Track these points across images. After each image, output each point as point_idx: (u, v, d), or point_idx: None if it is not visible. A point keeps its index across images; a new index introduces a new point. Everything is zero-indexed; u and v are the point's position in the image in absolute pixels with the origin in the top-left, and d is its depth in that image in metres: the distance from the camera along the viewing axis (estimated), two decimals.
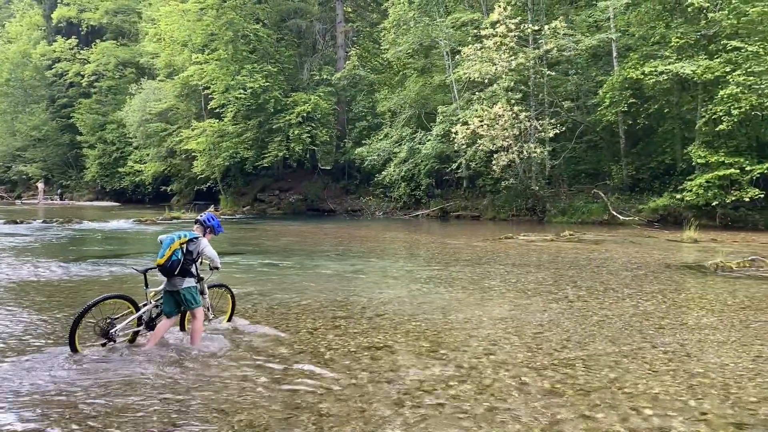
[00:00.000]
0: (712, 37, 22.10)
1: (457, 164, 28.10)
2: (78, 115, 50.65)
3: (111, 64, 50.31)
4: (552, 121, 25.27)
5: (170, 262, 5.86)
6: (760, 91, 19.46)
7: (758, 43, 20.14)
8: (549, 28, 24.74)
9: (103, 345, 5.80)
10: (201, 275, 6.26)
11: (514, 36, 24.90)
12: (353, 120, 36.98)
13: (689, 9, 22.07)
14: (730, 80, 20.14)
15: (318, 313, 7.75)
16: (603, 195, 24.75)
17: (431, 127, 29.65)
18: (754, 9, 20.22)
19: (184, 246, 5.96)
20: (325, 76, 35.67)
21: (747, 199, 20.06)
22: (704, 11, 21.80)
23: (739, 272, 11.14)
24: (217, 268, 6.33)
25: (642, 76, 22.27)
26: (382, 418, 4.31)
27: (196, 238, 6.08)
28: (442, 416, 4.34)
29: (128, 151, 46.82)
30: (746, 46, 20.20)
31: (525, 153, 24.69)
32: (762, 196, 20.12)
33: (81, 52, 51.92)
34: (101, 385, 4.94)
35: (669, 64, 21.65)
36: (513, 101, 24.96)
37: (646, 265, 12.25)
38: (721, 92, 20.30)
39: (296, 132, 33.19)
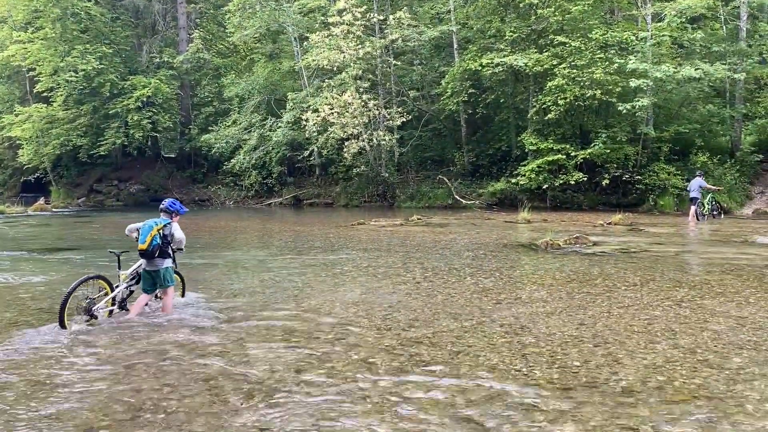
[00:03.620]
0: (541, 32, 23.91)
1: (309, 152, 28.07)
2: None
3: None
4: (399, 109, 26.04)
5: (152, 246, 6.59)
6: (581, 83, 21.41)
7: (580, 39, 22.11)
8: (394, 19, 25.38)
9: (87, 321, 6.35)
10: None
11: (361, 25, 25.26)
12: (199, 105, 35.54)
13: (521, 5, 23.72)
14: (557, 73, 21.95)
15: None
16: (447, 181, 26.01)
17: (281, 113, 29.30)
18: (575, 7, 22.15)
19: (161, 231, 6.67)
20: (166, 59, 33.93)
21: (572, 182, 22.07)
22: (534, 7, 23.51)
23: (565, 249, 12.25)
24: (181, 250, 7.15)
25: (480, 68, 23.63)
26: (232, 411, 4.23)
27: (169, 223, 6.85)
28: (293, 405, 4.35)
29: None
30: (570, 41, 22.09)
31: (375, 140, 25.25)
32: (585, 179, 22.21)
33: None
34: None
35: (504, 56, 23.13)
36: (362, 89, 25.36)
37: (485, 246, 13.08)
38: (549, 84, 22.08)
39: (135, 117, 31.30)
